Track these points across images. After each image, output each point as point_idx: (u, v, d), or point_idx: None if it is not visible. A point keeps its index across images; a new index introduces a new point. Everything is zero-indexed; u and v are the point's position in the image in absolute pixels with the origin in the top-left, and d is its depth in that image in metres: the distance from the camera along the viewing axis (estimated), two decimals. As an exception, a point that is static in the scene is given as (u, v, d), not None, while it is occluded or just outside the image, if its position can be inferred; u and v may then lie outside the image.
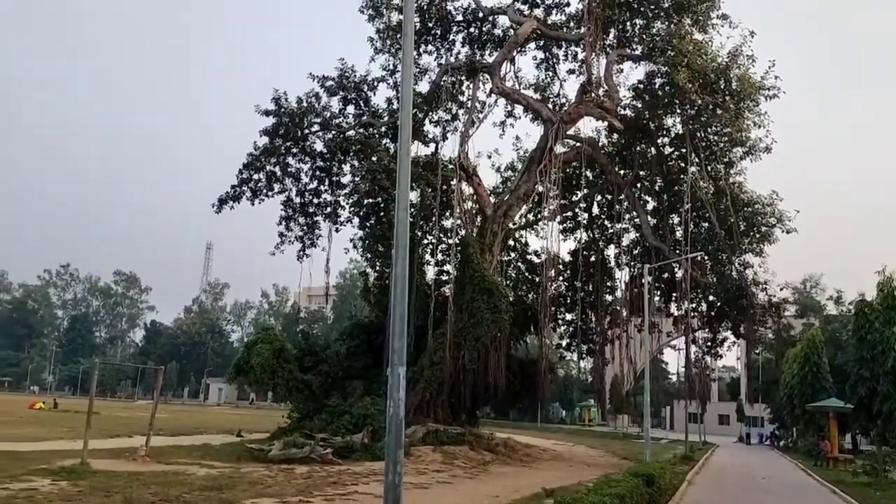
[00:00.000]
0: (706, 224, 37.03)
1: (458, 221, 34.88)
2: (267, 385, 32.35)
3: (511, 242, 40.11)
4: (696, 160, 34.88)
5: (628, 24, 36.54)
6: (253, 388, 40.61)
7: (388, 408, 7.78)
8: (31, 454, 19.81)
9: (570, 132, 36.49)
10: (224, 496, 14.19)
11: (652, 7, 34.82)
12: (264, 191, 35.62)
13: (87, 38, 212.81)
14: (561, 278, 40.58)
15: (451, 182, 34.04)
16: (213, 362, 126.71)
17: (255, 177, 35.25)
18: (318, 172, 36.22)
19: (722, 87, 32.95)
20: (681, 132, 35.45)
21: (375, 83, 35.78)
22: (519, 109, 38.52)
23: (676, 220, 38.69)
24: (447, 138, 37.86)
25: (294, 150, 35.40)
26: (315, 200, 36.78)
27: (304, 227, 36.75)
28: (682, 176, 36.44)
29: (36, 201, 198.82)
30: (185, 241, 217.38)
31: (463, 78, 36.65)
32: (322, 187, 36.59)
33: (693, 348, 40.11)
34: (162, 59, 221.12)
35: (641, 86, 35.94)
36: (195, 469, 18.60)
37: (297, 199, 36.61)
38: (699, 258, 36.29)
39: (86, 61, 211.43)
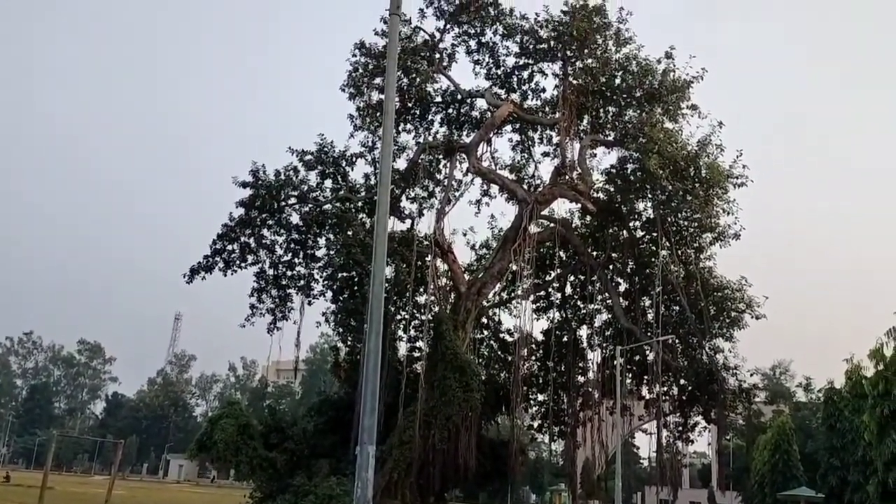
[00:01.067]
0: (677, 307, 37.37)
1: (432, 297, 34.85)
2: (230, 462, 31.40)
3: (484, 320, 40.03)
4: (667, 244, 35.46)
5: (601, 110, 37.65)
6: (215, 465, 39.34)
7: (355, 488, 7.57)
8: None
9: (545, 213, 37.04)
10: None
11: (624, 96, 36.00)
12: (237, 262, 35.47)
13: (50, 96, 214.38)
14: (533, 358, 40.40)
15: (426, 258, 34.17)
16: (175, 437, 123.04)
17: (229, 247, 35.15)
18: (292, 245, 36.22)
19: (692, 174, 33.76)
20: (652, 216, 36.11)
21: (354, 159, 36.25)
22: (495, 189, 39.14)
23: (648, 302, 39.01)
24: (423, 215, 38.20)
25: (270, 223, 35.47)
26: (289, 273, 36.63)
27: (277, 300, 36.47)
28: (653, 259, 36.94)
29: (2, 267, 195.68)
30: (152, 311, 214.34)
31: (440, 157, 37.30)
32: (296, 260, 36.52)
33: (664, 432, 39.76)
34: (138, 125, 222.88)
35: (614, 170, 36.79)
36: (150, 549, 17.79)
37: (271, 271, 36.44)
38: (670, 341, 36.44)
39: (59, 122, 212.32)
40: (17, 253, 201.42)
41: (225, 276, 35.18)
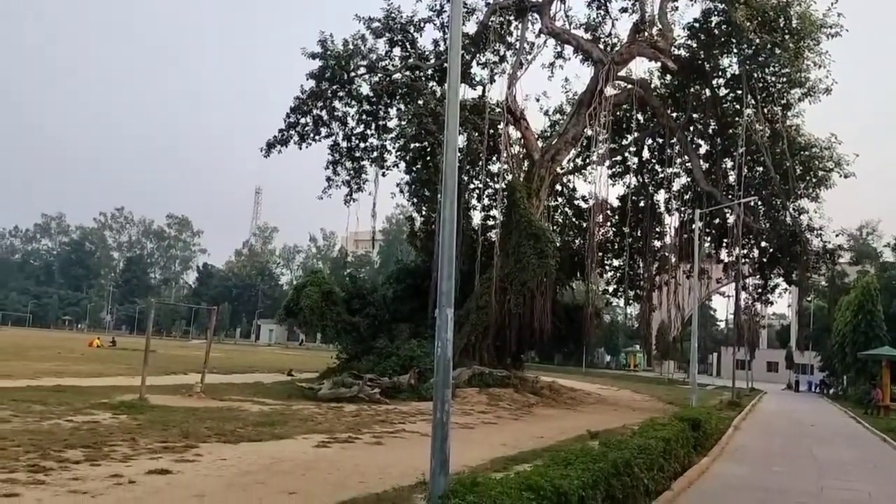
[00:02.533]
0: (760, 168, 36.01)
1: (505, 166, 34.55)
2: (315, 326, 32.95)
3: (558, 187, 39.64)
4: (752, 102, 33.73)
5: (684, -41, 35.09)
6: (302, 329, 41.38)
7: (436, 348, 7.84)
8: (91, 389, 20.62)
9: (622, 73, 35.53)
10: (276, 431, 14.64)
11: (709, -59, 33.32)
12: (311, 135, 35.70)
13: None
14: (609, 224, 40.08)
15: (498, 126, 33.60)
16: (264, 304, 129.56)
17: (303, 121, 35.32)
18: (364, 116, 36.12)
19: (781, 25, 31.57)
20: (737, 73, 34.23)
21: (422, 24, 35.19)
22: (569, 50, 37.60)
23: (730, 164, 37.72)
24: (494, 81, 37.20)
25: (340, 94, 35.26)
26: (362, 145, 36.79)
27: (351, 172, 36.86)
28: (736, 119, 35.33)
29: (92, 146, 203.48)
30: (235, 185, 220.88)
31: (511, 18, 35.79)
32: (368, 131, 36.53)
33: (743, 295, 39.53)
34: (209, 7, 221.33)
35: (697, 24, 34.64)
36: (248, 405, 19.20)
37: (344, 144, 36.63)
38: (752, 203, 35.43)
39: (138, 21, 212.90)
40: (105, 130, 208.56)
41: (300, 148, 35.62)
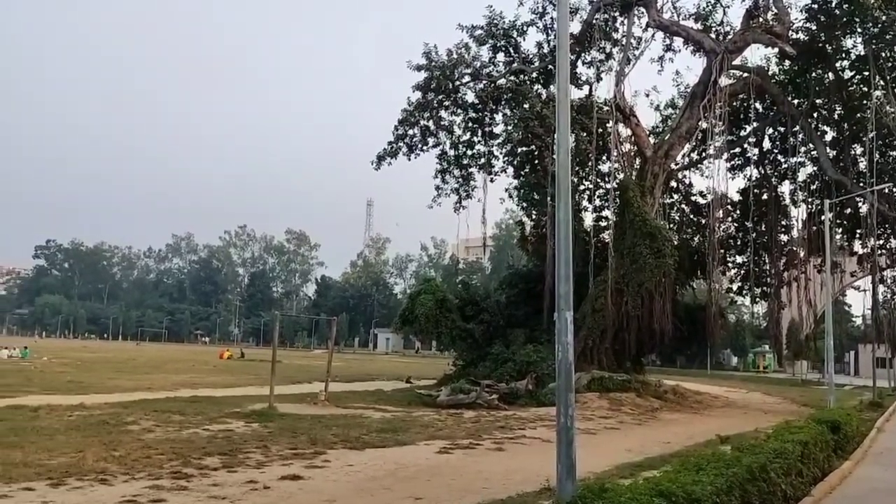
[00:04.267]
0: (894, 153, 33.60)
1: (616, 165, 33.85)
2: (431, 334, 33.36)
3: (673, 184, 38.39)
4: (881, 83, 31.52)
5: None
6: (418, 336, 42.12)
7: (556, 352, 7.74)
8: (224, 399, 21.69)
9: (736, 62, 34.04)
10: (399, 437, 14.87)
11: None
12: (419, 145, 36.25)
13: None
14: (730, 219, 38.40)
15: (607, 124, 32.96)
16: (379, 313, 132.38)
17: (410, 132, 35.91)
18: (470, 124, 36.35)
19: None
20: (862, 53, 32.12)
21: (525, 28, 35.11)
22: (678, 42, 36.44)
23: (859, 150, 35.37)
24: (601, 79, 36.56)
25: (446, 103, 35.64)
26: (469, 152, 37.01)
27: (460, 179, 37.14)
28: (864, 102, 33.09)
29: (214, 168, 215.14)
30: (347, 199, 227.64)
31: (616, 14, 35.10)
32: (475, 138, 36.72)
33: (881, 288, 36.93)
34: (316, 26, 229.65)
35: (815, 5, 32.70)
36: (371, 412, 19.62)
37: (452, 152, 36.98)
38: (887, 190, 33.07)
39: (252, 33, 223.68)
40: (224, 154, 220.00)
41: (409, 160, 36.22)
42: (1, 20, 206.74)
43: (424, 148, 36.39)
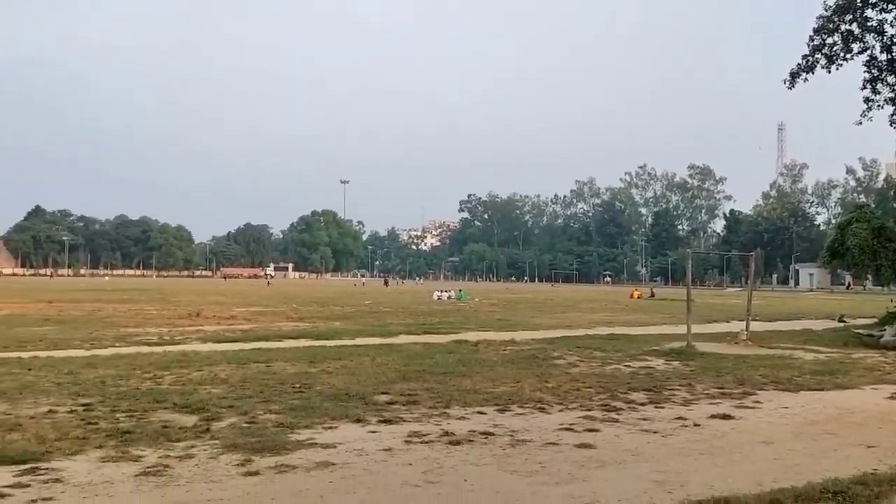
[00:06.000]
0: None
1: None
2: (867, 268, 29.44)
3: None
4: None
5: None
6: (850, 271, 37.53)
7: None
8: (640, 337, 22.04)
9: None
10: (838, 380, 13.49)
11: None
12: (841, 54, 31.73)
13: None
14: None
15: None
16: (800, 247, 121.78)
17: (829, 41, 31.60)
18: (907, 19, 30.62)
19: None
20: None
21: None
22: None
23: None
24: None
25: (873, 1, 30.51)
26: (905, 53, 31.30)
27: (895, 87, 31.70)
28: None
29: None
30: (754, 127, 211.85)
31: None
32: (913, 36, 30.87)
33: None
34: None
35: None
36: (800, 353, 18.14)
37: (883, 56, 31.60)
38: None
39: None
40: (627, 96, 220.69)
41: (828, 72, 31.93)
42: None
43: (847, 56, 31.76)
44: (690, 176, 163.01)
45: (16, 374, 12.46)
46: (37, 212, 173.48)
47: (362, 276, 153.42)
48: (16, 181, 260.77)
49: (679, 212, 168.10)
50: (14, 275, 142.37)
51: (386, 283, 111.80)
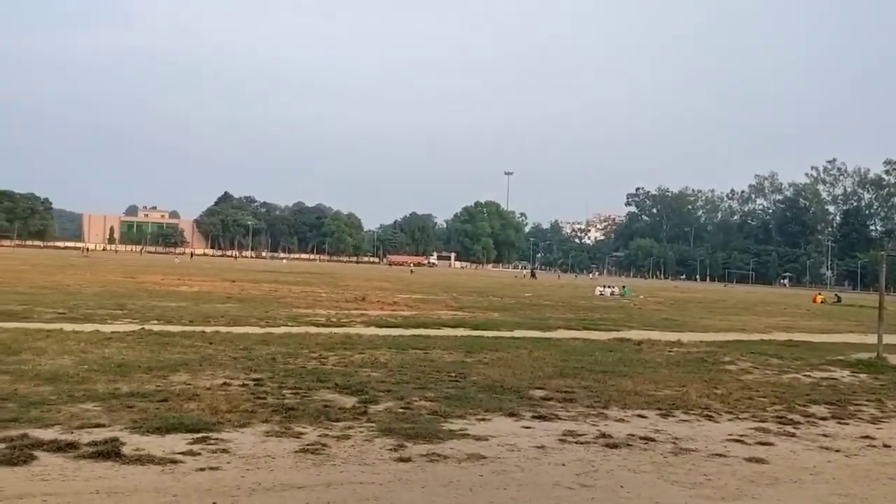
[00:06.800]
0: None
1: None
2: None
3: None
4: None
5: None
6: None
7: None
8: (822, 345, 20.28)
9: None
10: None
11: None
12: None
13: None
14: None
15: None
16: None
17: None
18: None
19: None
20: None
21: None
22: None
23: None
24: None
25: None
26: None
27: None
28: None
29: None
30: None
31: None
32: None
33: None
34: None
35: None
36: None
37: None
38: None
39: None
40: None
41: None
42: None
43: None
44: (887, 172, 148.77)
45: (199, 346, 13.46)
46: (225, 198, 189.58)
47: (523, 267, 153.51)
48: (208, 169, 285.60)
49: (872, 211, 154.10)
50: (205, 255, 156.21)
51: (533, 275, 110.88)
